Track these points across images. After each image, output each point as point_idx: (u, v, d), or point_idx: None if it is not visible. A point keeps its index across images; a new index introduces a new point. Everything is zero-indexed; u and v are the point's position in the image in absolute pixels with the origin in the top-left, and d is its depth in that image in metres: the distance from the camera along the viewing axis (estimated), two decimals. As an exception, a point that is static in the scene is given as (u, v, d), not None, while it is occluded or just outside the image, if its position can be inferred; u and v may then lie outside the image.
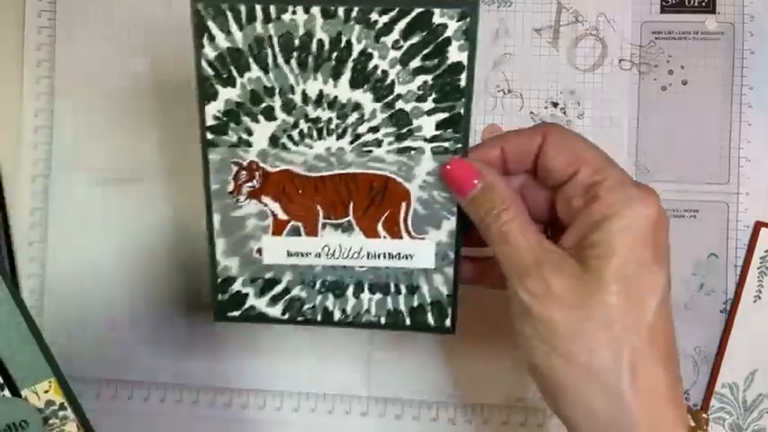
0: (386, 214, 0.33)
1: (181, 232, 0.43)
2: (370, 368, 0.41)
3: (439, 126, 0.31)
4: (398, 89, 0.31)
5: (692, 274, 0.39)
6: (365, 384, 0.43)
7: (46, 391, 0.36)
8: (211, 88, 0.31)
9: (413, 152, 0.32)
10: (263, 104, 0.31)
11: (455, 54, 0.30)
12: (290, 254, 0.33)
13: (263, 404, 0.42)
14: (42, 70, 0.44)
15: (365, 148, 0.32)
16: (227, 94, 0.31)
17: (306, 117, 0.32)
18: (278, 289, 0.34)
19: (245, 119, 0.32)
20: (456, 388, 0.41)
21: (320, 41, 0.30)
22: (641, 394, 0.27)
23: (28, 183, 0.43)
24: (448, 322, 0.34)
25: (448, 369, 0.41)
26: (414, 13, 0.30)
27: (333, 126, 0.32)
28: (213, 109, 0.32)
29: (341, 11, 0.30)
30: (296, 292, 0.34)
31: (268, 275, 0.34)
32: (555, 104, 0.40)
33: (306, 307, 0.34)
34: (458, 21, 0.30)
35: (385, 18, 0.30)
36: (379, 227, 0.33)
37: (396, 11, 0.29)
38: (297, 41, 0.30)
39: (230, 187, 0.33)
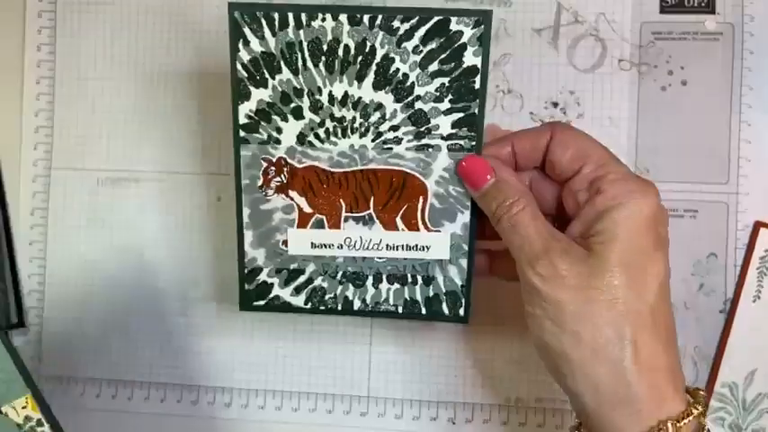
0: (404, 208, 0.36)
1: (180, 232, 0.43)
2: (370, 368, 0.41)
3: (455, 125, 0.35)
4: (418, 91, 0.34)
5: (692, 273, 0.40)
6: (365, 384, 0.44)
7: (23, 407, 0.36)
8: (245, 89, 0.35)
9: (430, 149, 0.35)
10: (293, 104, 0.35)
11: (470, 58, 0.34)
12: (313, 245, 0.36)
13: (264, 404, 0.43)
14: (43, 70, 0.47)
15: (386, 146, 0.35)
16: (259, 95, 0.35)
17: (332, 116, 0.35)
18: (301, 279, 0.37)
19: (276, 118, 0.35)
20: (456, 388, 0.41)
21: (346, 46, 0.34)
22: (643, 370, 0.30)
23: (28, 183, 0.45)
24: (462, 311, 0.36)
25: (448, 369, 0.42)
26: (432, 21, 0.33)
27: (356, 125, 0.35)
28: (246, 108, 0.35)
29: (366, 18, 0.33)
30: (318, 282, 0.37)
31: (293, 266, 0.37)
32: (555, 104, 0.41)
33: (328, 296, 0.37)
34: (473, 28, 0.33)
35: (406, 25, 0.33)
36: (398, 220, 0.36)
37: (416, 19, 0.33)
38: (325, 46, 0.34)
39: (259, 182, 0.36)
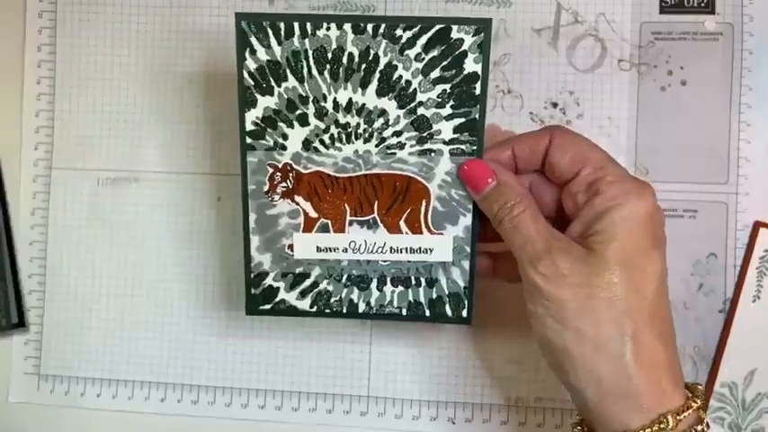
0: (408, 212, 0.37)
1: (181, 232, 0.43)
2: (370, 368, 0.41)
3: (456, 130, 0.36)
4: (420, 97, 0.36)
5: (692, 273, 0.41)
6: (365, 384, 0.46)
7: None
8: (252, 97, 0.36)
9: (433, 154, 0.36)
10: (298, 111, 0.36)
11: (471, 65, 0.35)
12: (319, 249, 0.38)
13: (264, 404, 0.42)
14: (43, 71, 0.49)
15: (389, 151, 0.37)
16: (265, 102, 0.36)
17: (336, 123, 0.36)
18: (307, 283, 0.38)
19: (282, 125, 0.36)
20: (456, 387, 0.41)
21: (351, 54, 0.35)
22: (642, 364, 0.31)
23: (29, 183, 0.46)
24: (465, 313, 0.38)
25: (448, 369, 0.42)
26: (434, 29, 0.35)
27: (360, 131, 0.36)
28: (252, 116, 0.36)
29: (369, 27, 0.35)
30: (324, 285, 0.38)
31: (298, 270, 0.38)
32: (554, 105, 0.41)
33: (333, 300, 0.38)
34: (473, 36, 0.35)
35: (408, 34, 0.35)
36: (402, 223, 0.37)
37: (418, 27, 0.35)
38: (330, 54, 0.35)
39: (266, 187, 0.37)
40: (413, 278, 0.38)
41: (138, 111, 0.47)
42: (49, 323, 0.48)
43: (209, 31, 0.46)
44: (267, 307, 0.38)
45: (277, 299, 0.38)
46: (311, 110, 0.36)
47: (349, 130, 0.36)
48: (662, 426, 0.30)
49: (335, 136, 0.36)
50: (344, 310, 0.38)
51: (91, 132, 0.47)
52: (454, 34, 0.35)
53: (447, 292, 0.38)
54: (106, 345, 0.47)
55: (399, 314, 0.38)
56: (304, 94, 0.36)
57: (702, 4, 0.44)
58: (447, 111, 0.36)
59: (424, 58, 0.35)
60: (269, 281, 0.38)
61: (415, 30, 0.35)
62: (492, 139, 0.45)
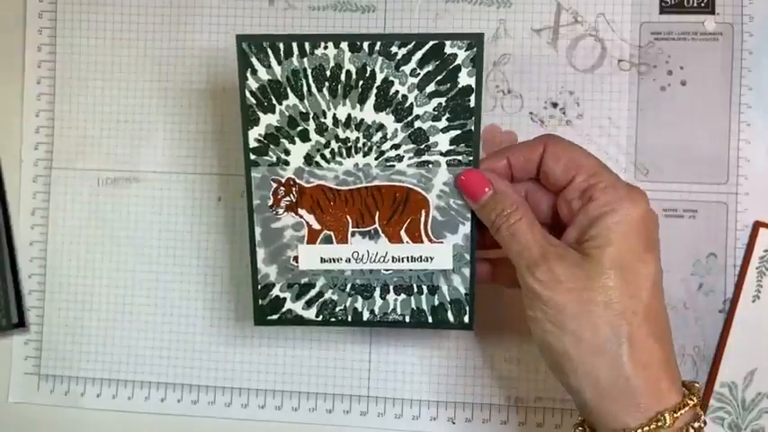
0: (408, 221, 0.39)
1: (181, 232, 0.43)
2: (370, 368, 0.42)
3: (452, 142, 0.38)
4: (416, 111, 0.38)
5: (692, 273, 0.42)
6: (365, 384, 0.47)
7: None
8: (254, 115, 0.38)
9: (430, 165, 0.38)
10: (299, 128, 0.39)
11: (465, 79, 0.37)
12: (323, 260, 0.40)
13: (264, 404, 0.43)
14: (43, 71, 0.51)
15: (388, 163, 0.39)
16: (267, 120, 0.38)
17: (336, 138, 0.39)
18: (312, 293, 0.40)
19: (284, 141, 0.39)
20: (456, 387, 0.42)
21: (348, 72, 0.38)
22: (639, 364, 0.33)
23: (29, 183, 0.47)
24: (466, 319, 0.40)
25: (448, 369, 0.43)
26: (428, 45, 0.37)
27: (360, 145, 0.38)
28: (255, 133, 0.39)
29: (366, 45, 0.37)
30: (328, 295, 0.40)
31: (303, 281, 0.40)
32: (554, 105, 0.42)
33: (338, 309, 0.40)
34: (466, 50, 0.37)
35: (403, 50, 0.37)
36: (403, 233, 0.39)
37: (412, 44, 0.37)
38: (328, 72, 0.38)
39: (270, 202, 0.39)
40: (415, 286, 0.40)
41: (138, 111, 0.48)
42: (49, 323, 0.49)
43: (209, 32, 0.47)
44: (274, 317, 0.41)
45: (284, 309, 0.40)
46: (312, 126, 0.38)
47: (349, 144, 0.38)
48: (660, 424, 0.32)
49: (336, 150, 0.39)
50: (349, 319, 0.40)
51: (91, 132, 0.48)
52: (448, 49, 0.37)
53: (449, 299, 0.40)
54: (106, 345, 0.48)
55: (403, 321, 0.40)
56: (305, 111, 0.38)
57: (702, 4, 0.44)
58: (443, 123, 0.38)
59: (419, 74, 0.37)
60: (275, 291, 0.40)
61: (410, 46, 0.37)
62: (492, 138, 0.45)
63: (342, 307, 0.40)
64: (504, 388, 0.46)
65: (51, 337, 0.49)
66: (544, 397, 0.46)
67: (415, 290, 0.40)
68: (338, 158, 0.39)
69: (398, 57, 0.37)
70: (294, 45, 0.37)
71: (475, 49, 0.37)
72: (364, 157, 0.38)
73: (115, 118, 0.48)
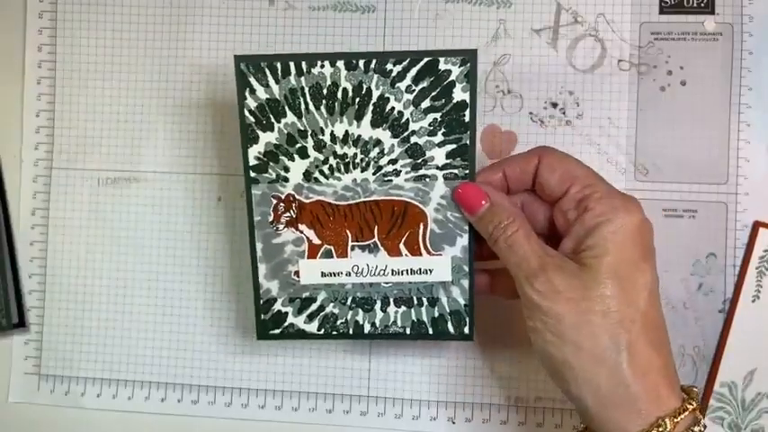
0: (407, 235, 0.40)
1: (181, 232, 0.43)
2: (370, 368, 0.42)
3: (449, 155, 0.39)
4: (412, 126, 0.39)
5: (691, 273, 0.42)
6: (365, 384, 0.48)
7: None
8: (253, 133, 0.40)
9: (427, 179, 0.39)
10: (298, 145, 0.40)
11: (459, 94, 0.38)
12: (323, 274, 0.41)
13: (264, 404, 0.43)
14: (43, 71, 0.52)
15: (386, 178, 0.40)
16: (266, 138, 0.40)
17: (334, 154, 0.40)
18: (314, 307, 0.41)
19: (283, 158, 0.40)
20: (456, 387, 0.43)
21: (345, 90, 0.39)
22: (639, 372, 0.34)
23: (29, 183, 0.48)
24: (467, 330, 0.41)
25: (448, 369, 0.44)
26: (422, 62, 0.38)
27: (358, 160, 0.40)
28: (255, 151, 0.40)
29: (361, 63, 0.38)
30: (330, 308, 0.41)
31: (305, 295, 0.41)
32: (554, 105, 0.42)
33: (339, 322, 0.41)
34: (460, 66, 0.38)
35: (398, 67, 0.39)
36: (401, 246, 0.40)
37: (407, 61, 0.39)
38: (325, 90, 0.39)
39: (270, 218, 0.40)
40: (415, 298, 0.41)
41: (138, 111, 0.48)
42: (49, 323, 0.49)
43: (209, 32, 0.47)
44: (277, 332, 0.42)
45: (286, 323, 0.42)
46: (310, 143, 0.40)
47: (347, 160, 0.40)
48: (660, 429, 0.33)
49: (334, 166, 0.40)
50: (351, 332, 0.41)
51: (91, 132, 0.49)
52: (442, 66, 0.38)
53: (448, 311, 0.41)
54: (106, 345, 0.49)
55: (404, 334, 0.41)
56: (303, 129, 0.40)
57: (702, 5, 0.45)
58: (439, 138, 0.39)
59: (414, 90, 0.39)
60: (277, 306, 0.41)
61: (405, 63, 0.39)
62: (491, 138, 0.45)
63: (343, 320, 0.41)
64: (504, 388, 0.47)
65: (51, 337, 0.50)
66: (544, 397, 0.47)
67: (415, 302, 0.41)
68: (337, 174, 0.40)
69: (394, 74, 0.39)
70: (291, 64, 0.39)
71: (468, 64, 0.38)
72: (362, 172, 0.40)
73: (115, 118, 0.49)
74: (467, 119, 0.39)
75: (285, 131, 0.40)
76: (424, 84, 0.39)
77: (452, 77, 0.38)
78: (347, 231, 0.40)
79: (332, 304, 0.41)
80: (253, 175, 0.40)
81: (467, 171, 0.39)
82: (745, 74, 0.45)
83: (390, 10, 0.48)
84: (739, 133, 0.45)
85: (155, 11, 0.49)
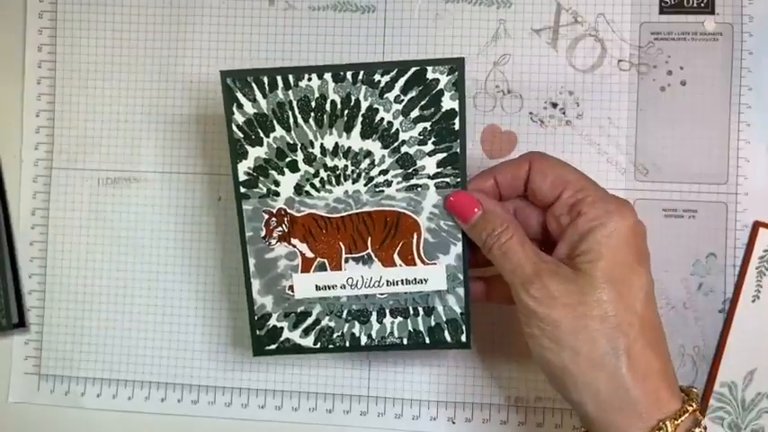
0: (400, 245, 0.40)
1: (181, 232, 0.43)
2: (370, 368, 0.42)
3: (440, 164, 0.39)
4: (402, 136, 0.39)
5: (691, 273, 0.42)
6: (365, 384, 0.48)
7: None
8: (242, 148, 0.40)
9: (419, 189, 0.39)
10: (288, 159, 0.40)
11: (448, 103, 0.39)
12: (318, 288, 0.41)
13: (264, 404, 0.43)
14: (44, 71, 0.52)
15: (378, 189, 0.40)
16: (255, 153, 0.40)
17: (325, 166, 0.40)
18: (309, 321, 0.41)
19: (273, 172, 0.40)
20: (456, 387, 0.43)
21: (333, 102, 0.39)
22: (638, 375, 0.34)
23: (29, 183, 0.48)
24: (464, 338, 0.41)
25: (448, 369, 0.44)
26: (410, 72, 0.39)
27: (348, 172, 0.39)
28: (244, 166, 0.40)
29: (349, 75, 0.39)
30: (325, 322, 0.41)
31: (300, 309, 0.41)
32: (554, 105, 0.42)
33: (335, 335, 0.41)
34: (448, 75, 0.38)
35: (386, 78, 0.39)
36: (395, 256, 0.40)
37: (395, 71, 0.39)
38: (313, 103, 0.39)
39: (262, 233, 0.40)
40: (411, 308, 0.41)
41: (138, 111, 0.49)
42: (49, 323, 0.50)
43: (209, 32, 0.48)
44: (273, 347, 0.42)
45: (282, 338, 0.42)
46: (300, 156, 0.40)
47: (338, 172, 0.40)
48: (661, 431, 0.34)
49: (325, 179, 0.40)
50: (347, 345, 0.42)
51: (91, 132, 0.49)
52: (430, 75, 0.38)
53: (445, 319, 0.41)
54: (106, 345, 0.49)
55: (401, 344, 0.41)
56: (292, 142, 0.40)
57: (702, 5, 0.45)
58: (429, 147, 0.39)
59: (403, 100, 0.39)
60: (273, 321, 0.41)
61: (393, 73, 0.39)
62: (491, 138, 0.45)
63: (339, 333, 0.42)
64: (504, 388, 0.48)
65: (51, 337, 0.51)
66: (544, 397, 0.47)
67: (411, 312, 0.41)
68: (328, 187, 0.40)
69: (382, 84, 0.39)
70: (278, 78, 0.39)
71: (456, 73, 0.38)
72: (353, 184, 0.40)
73: (115, 118, 0.50)
74: (456, 127, 0.39)
75: (274, 146, 0.40)
76: (413, 93, 0.39)
77: (441, 86, 0.39)
78: (340, 244, 0.40)
79: (327, 318, 0.41)
80: (243, 190, 0.40)
81: (458, 179, 0.40)
82: (745, 74, 0.46)
83: (390, 10, 0.48)
84: (739, 133, 0.46)
85: (155, 11, 0.49)
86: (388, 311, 0.41)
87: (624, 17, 0.46)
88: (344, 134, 0.40)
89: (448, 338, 0.41)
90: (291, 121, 0.39)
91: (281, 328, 0.42)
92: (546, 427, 0.47)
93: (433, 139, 0.39)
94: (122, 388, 0.50)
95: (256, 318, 0.42)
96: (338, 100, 0.39)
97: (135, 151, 0.50)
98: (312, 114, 0.39)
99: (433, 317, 0.41)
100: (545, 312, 0.35)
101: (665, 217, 0.46)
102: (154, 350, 0.50)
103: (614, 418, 0.34)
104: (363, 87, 0.39)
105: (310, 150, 0.40)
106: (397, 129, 0.39)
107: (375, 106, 0.39)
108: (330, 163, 0.40)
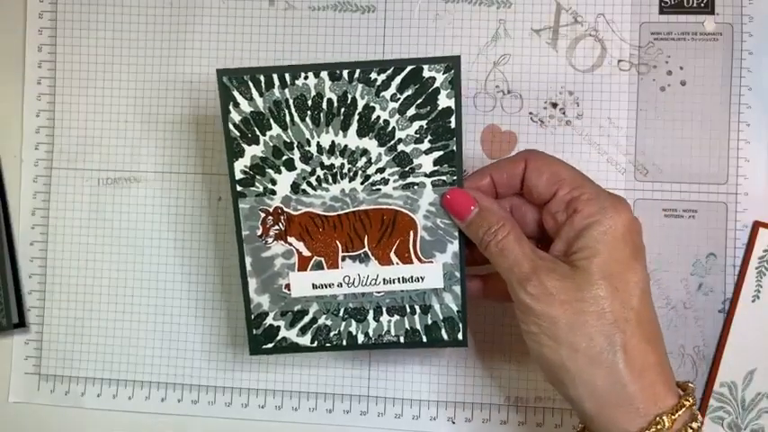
0: (397, 243, 0.40)
1: (181, 232, 0.43)
2: (370, 368, 0.42)
3: (436, 162, 0.40)
4: (399, 134, 0.39)
5: (691, 273, 0.43)
6: (365, 384, 0.48)
7: None
8: (238, 147, 0.40)
9: (416, 187, 0.40)
10: (284, 157, 0.40)
11: (444, 101, 0.39)
12: (314, 286, 0.41)
13: (264, 404, 0.43)
14: (44, 71, 0.53)
15: (374, 187, 0.40)
16: (252, 151, 0.40)
17: (321, 165, 0.40)
18: (306, 319, 0.41)
19: (269, 171, 0.40)
20: (456, 387, 0.43)
21: (329, 100, 0.39)
22: (635, 371, 0.34)
23: (29, 183, 0.48)
24: (460, 336, 0.41)
25: (448, 369, 0.44)
26: (406, 70, 0.39)
27: (345, 171, 0.40)
28: (241, 165, 0.40)
29: (345, 73, 0.39)
30: (322, 320, 0.41)
31: (297, 308, 0.41)
32: (554, 105, 0.42)
33: (332, 334, 0.41)
34: (444, 73, 0.39)
35: (383, 76, 0.39)
36: (392, 255, 0.40)
37: (391, 69, 0.39)
38: (310, 101, 0.39)
39: (259, 231, 0.40)
40: (407, 306, 0.41)
41: (138, 111, 0.49)
42: (49, 323, 0.50)
43: (209, 32, 0.48)
44: (270, 346, 0.42)
45: (278, 337, 0.42)
46: (297, 155, 0.40)
47: (334, 170, 0.40)
48: (659, 427, 0.34)
49: (322, 177, 0.40)
50: (344, 343, 0.42)
51: (91, 132, 0.49)
52: (426, 73, 0.39)
53: (441, 317, 0.41)
54: (106, 345, 0.49)
55: (397, 342, 0.42)
56: (288, 141, 0.40)
57: (702, 5, 0.45)
58: (425, 145, 0.40)
59: (399, 98, 0.39)
60: (269, 320, 0.42)
61: (389, 72, 0.39)
62: (491, 138, 0.45)
63: (336, 332, 0.42)
64: (504, 388, 0.48)
65: (51, 337, 0.51)
66: (544, 397, 0.47)
67: (408, 310, 0.41)
68: (324, 185, 0.40)
69: (378, 83, 0.39)
70: (275, 76, 0.39)
71: (452, 71, 0.39)
72: (350, 182, 0.40)
73: (115, 118, 0.50)
74: (453, 125, 0.39)
75: (271, 144, 0.40)
76: (409, 92, 0.39)
77: (437, 84, 0.39)
78: (337, 242, 0.41)
79: (324, 316, 0.41)
80: (239, 189, 0.40)
81: (455, 177, 0.40)
82: (745, 74, 0.46)
83: (390, 10, 0.48)
84: (739, 133, 0.46)
85: (155, 11, 0.50)
86: (384, 310, 0.41)
87: (624, 17, 0.47)
88: (341, 132, 0.40)
89: (445, 336, 0.41)
90: (288, 119, 0.40)
91: (278, 327, 0.42)
92: (546, 427, 0.47)
93: (429, 137, 0.40)
94: (122, 388, 0.50)
95: (253, 317, 0.42)
96: (335, 98, 0.39)
97: (135, 151, 0.50)
98: (309, 113, 0.40)
99: (429, 315, 0.41)
100: (542, 309, 0.35)
101: (665, 217, 0.46)
102: (154, 350, 0.50)
103: (612, 414, 0.34)
104: (360, 86, 0.39)
105: (307, 149, 0.40)
106: (394, 127, 0.40)
107: (371, 105, 0.39)
108: (327, 161, 0.40)
